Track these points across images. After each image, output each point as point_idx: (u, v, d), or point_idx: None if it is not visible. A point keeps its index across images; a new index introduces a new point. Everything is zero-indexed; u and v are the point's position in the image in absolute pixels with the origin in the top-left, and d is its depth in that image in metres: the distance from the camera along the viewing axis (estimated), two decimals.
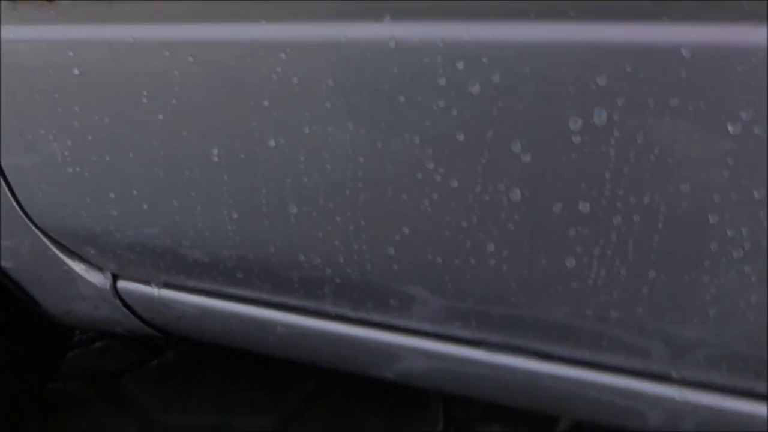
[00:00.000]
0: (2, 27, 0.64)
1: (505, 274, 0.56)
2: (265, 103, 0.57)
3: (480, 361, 0.66)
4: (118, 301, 0.82)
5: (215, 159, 0.61)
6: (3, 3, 0.64)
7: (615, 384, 0.62)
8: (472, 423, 1.36)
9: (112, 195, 0.68)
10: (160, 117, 0.61)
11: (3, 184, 0.74)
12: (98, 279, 0.81)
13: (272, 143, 0.58)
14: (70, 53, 0.63)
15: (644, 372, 0.61)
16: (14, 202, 0.76)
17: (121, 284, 0.81)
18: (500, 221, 0.53)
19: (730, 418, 0.60)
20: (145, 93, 0.61)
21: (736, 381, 0.57)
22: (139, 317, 0.84)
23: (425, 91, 0.51)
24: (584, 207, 0.50)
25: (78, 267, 0.80)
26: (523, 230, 0.53)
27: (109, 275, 0.81)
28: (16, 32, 0.65)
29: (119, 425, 1.32)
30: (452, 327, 0.65)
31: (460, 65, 0.49)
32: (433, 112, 0.51)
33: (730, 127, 0.44)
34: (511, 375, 0.66)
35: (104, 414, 1.36)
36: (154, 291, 0.79)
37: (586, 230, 0.51)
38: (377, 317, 0.68)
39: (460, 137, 0.51)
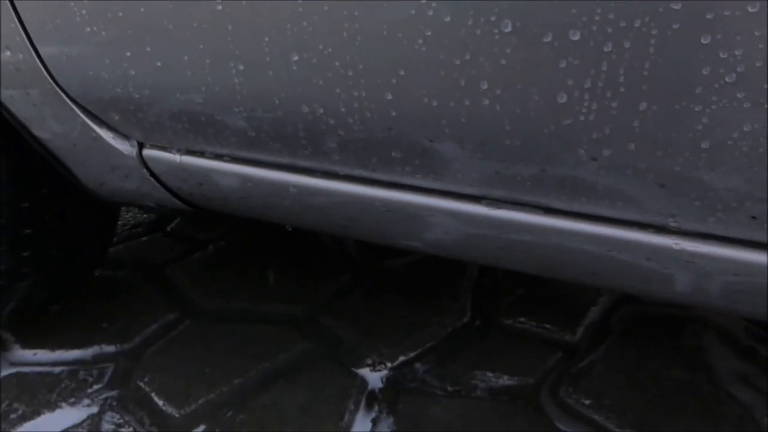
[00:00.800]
0: None
1: (499, 113, 0.56)
2: None
3: (484, 218, 0.67)
4: (144, 170, 0.87)
5: (219, 8, 0.62)
6: None
7: (613, 235, 0.62)
8: (498, 315, 1.39)
9: (128, 53, 0.70)
10: None
11: (28, 43, 0.77)
12: (125, 147, 0.85)
13: None
14: None
15: (643, 222, 0.60)
16: (45, 71, 0.80)
17: (147, 152, 0.85)
18: (492, 56, 0.53)
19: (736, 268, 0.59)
20: None
21: (734, 228, 0.56)
22: (165, 186, 0.88)
23: None
24: (575, 35, 0.49)
25: (106, 134, 0.84)
26: (515, 65, 0.53)
27: (135, 143, 0.84)
28: None
29: (163, 308, 1.42)
30: (455, 181, 0.66)
31: None
32: None
33: None
34: (518, 233, 0.67)
35: (150, 298, 1.46)
36: (176, 157, 0.82)
37: (577, 61, 0.50)
38: (383, 175, 0.69)
39: None
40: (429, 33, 0.54)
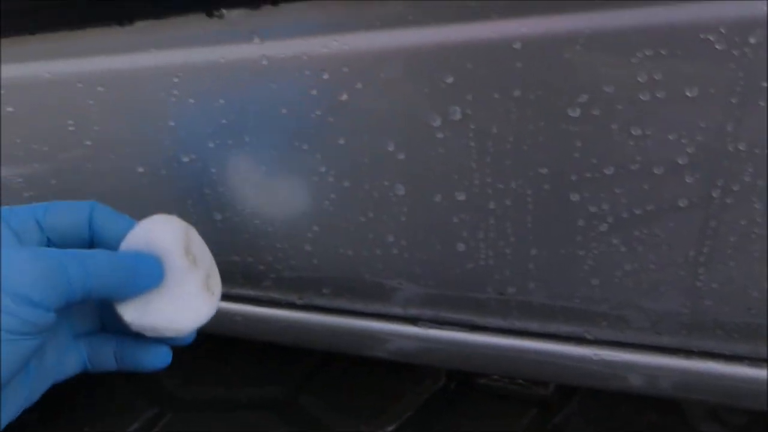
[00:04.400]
0: None
1: (408, 261, 0.60)
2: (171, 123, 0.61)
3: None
4: None
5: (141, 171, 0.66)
6: None
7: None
8: (473, 376, 1.41)
9: None
10: None
11: None
12: None
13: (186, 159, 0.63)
14: None
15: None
16: None
17: None
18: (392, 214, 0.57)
19: None
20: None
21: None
22: None
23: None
24: (461, 196, 0.53)
25: None
26: (414, 220, 0.57)
27: None
28: None
29: (143, 402, 1.43)
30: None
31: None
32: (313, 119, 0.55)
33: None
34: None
35: (130, 393, 1.47)
36: None
37: (467, 216, 0.54)
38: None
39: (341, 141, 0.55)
40: (333, 195, 0.58)
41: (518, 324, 0.62)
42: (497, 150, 0.50)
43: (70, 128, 0.66)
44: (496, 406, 1.33)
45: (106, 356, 0.46)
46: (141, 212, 0.48)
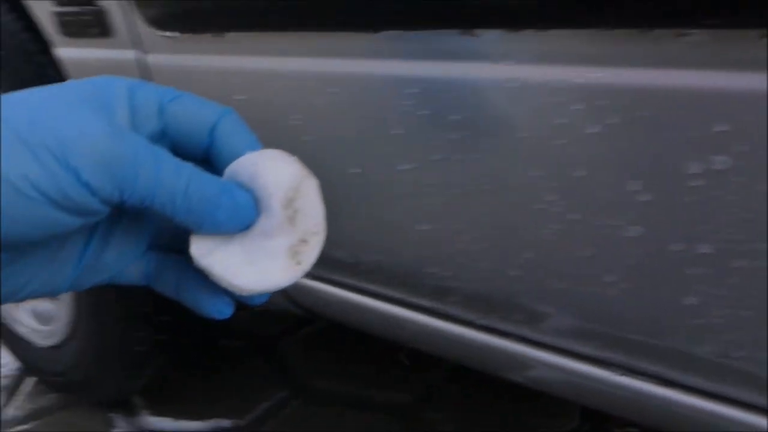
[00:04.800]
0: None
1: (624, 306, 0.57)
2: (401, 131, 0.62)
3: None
4: None
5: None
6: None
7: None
8: (608, 423, 1.34)
9: None
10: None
11: None
12: None
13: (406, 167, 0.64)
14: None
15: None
16: None
17: None
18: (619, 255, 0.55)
19: None
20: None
21: None
22: (291, 300, 0.95)
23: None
24: (704, 248, 0.50)
25: None
26: (643, 264, 0.54)
27: None
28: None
29: (275, 384, 1.49)
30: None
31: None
32: (552, 148, 0.54)
33: None
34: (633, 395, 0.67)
35: (263, 373, 1.54)
36: (305, 281, 0.89)
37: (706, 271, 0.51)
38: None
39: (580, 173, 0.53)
40: (558, 226, 0.57)
41: (732, 392, 0.57)
42: (762, 209, 0.46)
43: (295, 122, 0.70)
44: None
45: (169, 283, 0.40)
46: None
